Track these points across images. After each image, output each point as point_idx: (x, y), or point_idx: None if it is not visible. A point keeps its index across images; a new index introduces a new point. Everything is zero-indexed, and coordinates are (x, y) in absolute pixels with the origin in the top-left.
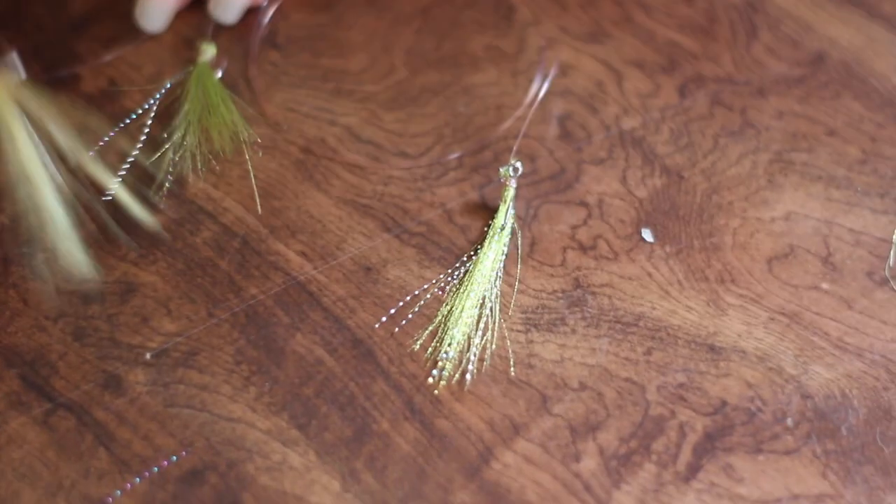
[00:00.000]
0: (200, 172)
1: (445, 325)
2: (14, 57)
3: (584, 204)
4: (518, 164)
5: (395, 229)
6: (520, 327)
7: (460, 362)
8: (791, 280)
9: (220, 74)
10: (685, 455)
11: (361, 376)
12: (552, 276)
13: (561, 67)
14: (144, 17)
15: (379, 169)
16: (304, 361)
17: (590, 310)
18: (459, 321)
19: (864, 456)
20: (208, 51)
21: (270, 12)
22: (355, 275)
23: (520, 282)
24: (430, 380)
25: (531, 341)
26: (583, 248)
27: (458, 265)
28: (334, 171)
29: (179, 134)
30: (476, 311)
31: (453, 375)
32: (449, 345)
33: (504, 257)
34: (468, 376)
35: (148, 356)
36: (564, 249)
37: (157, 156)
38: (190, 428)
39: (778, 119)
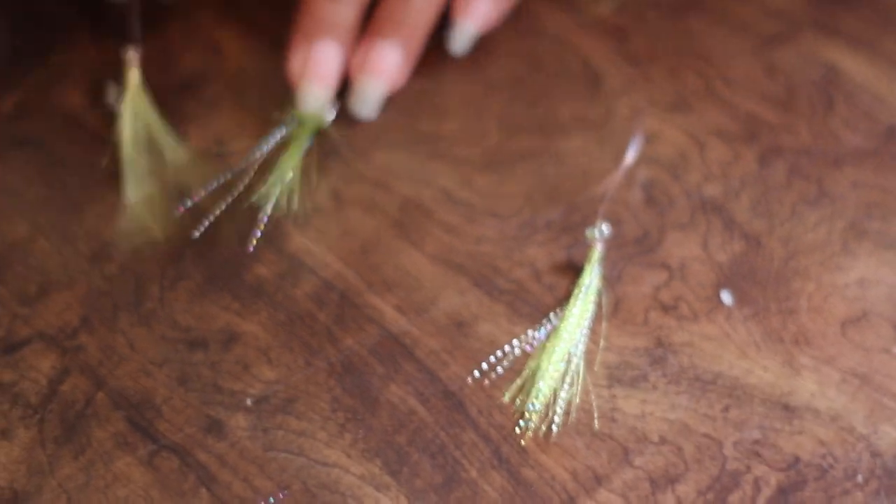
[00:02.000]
0: (301, 226)
1: (533, 378)
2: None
3: (666, 266)
4: (605, 227)
5: (486, 286)
6: (603, 382)
7: (546, 414)
8: (863, 343)
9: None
10: None
11: (452, 426)
12: (635, 334)
13: (646, 136)
14: (361, 105)
15: (471, 229)
16: (397, 410)
17: (670, 367)
18: (546, 375)
19: None
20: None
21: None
22: (447, 329)
23: (604, 339)
24: (517, 430)
25: (614, 396)
26: (664, 309)
27: (545, 321)
28: (429, 231)
29: (280, 186)
30: (563, 366)
31: (539, 426)
32: (536, 397)
33: (590, 315)
34: (554, 427)
35: (249, 402)
36: (647, 310)
37: (257, 202)
38: (287, 471)
39: (853, 189)
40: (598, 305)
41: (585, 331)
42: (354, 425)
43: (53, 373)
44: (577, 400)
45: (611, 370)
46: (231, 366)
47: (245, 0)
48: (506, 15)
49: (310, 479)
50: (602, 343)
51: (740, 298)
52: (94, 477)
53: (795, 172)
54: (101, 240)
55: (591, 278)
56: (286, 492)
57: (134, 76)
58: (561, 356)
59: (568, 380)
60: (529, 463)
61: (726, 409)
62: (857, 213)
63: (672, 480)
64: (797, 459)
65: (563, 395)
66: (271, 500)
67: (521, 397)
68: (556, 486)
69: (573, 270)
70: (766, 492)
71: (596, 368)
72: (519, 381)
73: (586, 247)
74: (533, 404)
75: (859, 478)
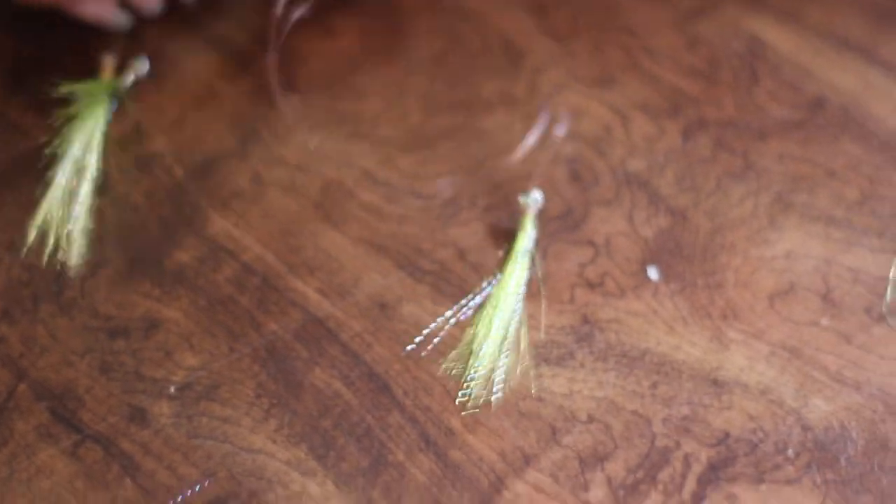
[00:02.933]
0: (221, 210)
1: (471, 346)
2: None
3: (591, 243)
4: (538, 194)
5: (409, 267)
6: (530, 361)
7: (486, 384)
8: (791, 316)
9: None
10: (690, 485)
11: (377, 409)
12: (561, 312)
13: (569, 111)
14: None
15: (394, 209)
16: (322, 395)
17: (597, 344)
18: (486, 341)
19: (862, 486)
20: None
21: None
22: (371, 311)
23: (530, 317)
24: (457, 401)
25: (541, 375)
26: (590, 286)
27: (472, 296)
28: (351, 212)
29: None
30: (502, 332)
31: (481, 396)
32: (476, 365)
33: (525, 282)
34: (495, 396)
35: (172, 389)
36: (573, 287)
37: None
38: (213, 458)
39: (779, 161)
40: (533, 275)
41: (521, 296)
42: (279, 410)
43: None
44: (520, 366)
45: (537, 349)
46: (153, 353)
47: None
48: None
49: (235, 465)
50: (527, 321)
51: (667, 274)
52: (17, 470)
53: (720, 146)
54: (22, 230)
55: (525, 244)
56: (211, 479)
57: None
58: (499, 323)
59: (506, 346)
60: (457, 444)
61: (654, 385)
62: (783, 185)
63: (601, 459)
64: (727, 435)
65: (502, 361)
66: (197, 488)
67: (458, 367)
68: (484, 468)
69: (498, 248)
70: (697, 468)
71: (522, 347)
72: (456, 351)
73: (510, 224)
74: (474, 372)
75: (790, 451)
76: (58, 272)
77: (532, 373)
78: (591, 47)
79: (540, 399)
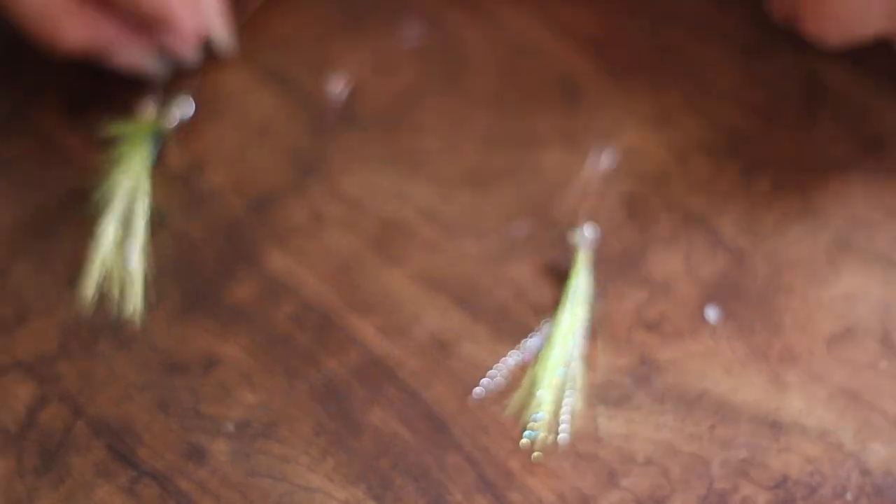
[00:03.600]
0: (281, 246)
1: (532, 388)
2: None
3: (649, 283)
4: (588, 229)
5: (468, 305)
6: (588, 402)
7: (551, 425)
8: (850, 359)
9: None
10: None
11: (436, 449)
12: (619, 352)
13: (626, 149)
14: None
15: (452, 246)
16: (380, 433)
17: (655, 386)
18: (545, 383)
19: None
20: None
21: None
22: (430, 350)
23: (588, 357)
24: (521, 444)
25: (598, 416)
26: (648, 326)
27: (536, 331)
28: (409, 249)
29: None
30: (562, 372)
31: (546, 437)
32: (539, 406)
33: (583, 321)
34: (561, 437)
35: (230, 427)
36: (630, 327)
37: None
38: (270, 497)
39: (837, 202)
40: (591, 312)
41: (580, 337)
42: (337, 449)
43: (32, 401)
44: (580, 405)
45: (595, 389)
46: (212, 390)
47: None
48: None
49: None
50: (586, 362)
51: (725, 315)
52: None
53: (779, 186)
54: (78, 264)
55: (579, 283)
56: None
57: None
58: (558, 363)
59: (568, 386)
60: (515, 485)
61: (712, 427)
62: (842, 226)
63: (659, 501)
64: (785, 477)
65: (566, 401)
66: None
67: (520, 410)
68: None
69: (555, 287)
70: None
71: (580, 388)
72: (518, 394)
73: (570, 256)
74: (537, 414)
75: (848, 496)
76: (116, 308)
77: (591, 414)
78: (648, 85)
79: (598, 440)
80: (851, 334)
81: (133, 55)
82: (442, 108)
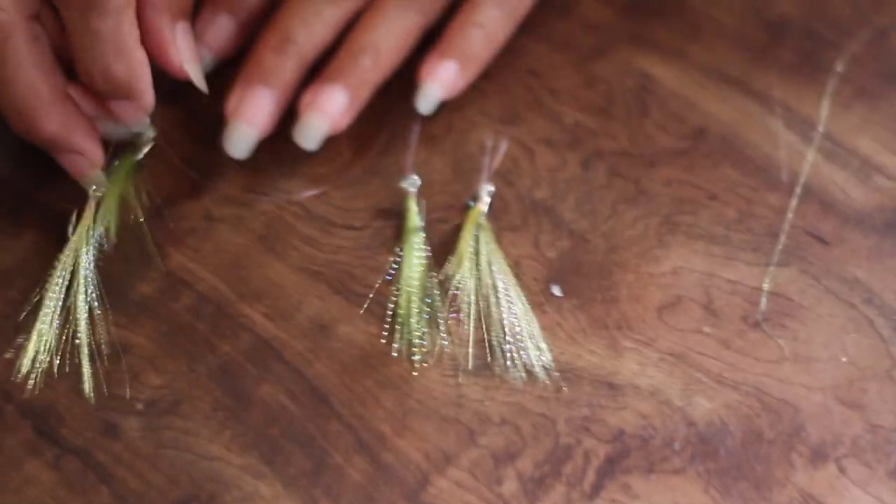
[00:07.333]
0: (178, 246)
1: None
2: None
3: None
4: (416, 177)
5: (344, 292)
6: (450, 372)
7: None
8: (678, 325)
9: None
10: (590, 477)
11: (319, 418)
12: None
13: (482, 146)
14: (304, 139)
15: (329, 241)
16: (269, 407)
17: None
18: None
19: (739, 473)
20: None
21: None
22: (311, 332)
23: (449, 334)
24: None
25: (459, 384)
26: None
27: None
28: (291, 244)
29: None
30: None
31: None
32: (417, 323)
33: (422, 254)
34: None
35: (140, 406)
36: None
37: None
38: (176, 466)
39: (667, 186)
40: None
41: (422, 262)
42: (233, 422)
43: None
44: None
45: (456, 361)
46: (122, 375)
47: None
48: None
49: (196, 472)
50: (448, 337)
51: (569, 291)
52: (6, 480)
53: (615, 174)
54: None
55: (413, 222)
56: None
57: None
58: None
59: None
60: (387, 447)
61: (558, 390)
62: (670, 208)
63: (512, 456)
64: (622, 432)
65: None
66: None
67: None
68: (411, 467)
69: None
70: (595, 462)
71: (443, 359)
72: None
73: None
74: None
75: (676, 445)
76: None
77: (451, 382)
78: (500, 87)
79: (459, 405)
80: (679, 303)
81: (105, 128)
82: None
